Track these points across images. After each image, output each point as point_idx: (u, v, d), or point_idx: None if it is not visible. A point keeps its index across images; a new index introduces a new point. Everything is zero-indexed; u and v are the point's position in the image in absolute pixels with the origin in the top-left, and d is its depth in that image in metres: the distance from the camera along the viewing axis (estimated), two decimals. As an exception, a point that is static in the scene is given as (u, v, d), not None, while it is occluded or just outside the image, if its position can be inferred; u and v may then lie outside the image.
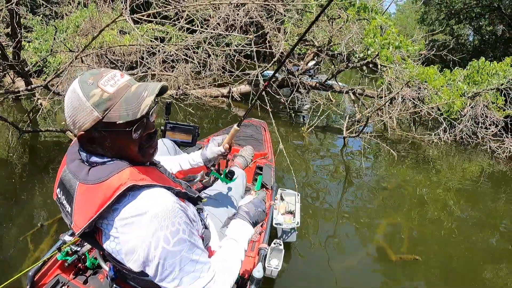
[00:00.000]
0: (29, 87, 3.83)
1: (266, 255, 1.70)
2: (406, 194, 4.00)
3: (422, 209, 3.67)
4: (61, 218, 2.58)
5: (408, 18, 15.57)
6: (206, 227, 1.20)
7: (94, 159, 0.90)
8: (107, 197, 0.82)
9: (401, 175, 4.52)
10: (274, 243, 1.91)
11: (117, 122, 0.84)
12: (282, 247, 1.90)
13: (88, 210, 0.84)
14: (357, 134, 5.09)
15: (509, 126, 5.43)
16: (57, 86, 4.43)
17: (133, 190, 0.86)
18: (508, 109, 5.43)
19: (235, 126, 1.43)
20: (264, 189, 2.43)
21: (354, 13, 5.39)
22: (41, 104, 4.66)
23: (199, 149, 2.53)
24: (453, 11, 11.17)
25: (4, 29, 5.03)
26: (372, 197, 3.82)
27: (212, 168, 1.54)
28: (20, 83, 4.80)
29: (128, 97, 0.84)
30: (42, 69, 5.22)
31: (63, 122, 4.65)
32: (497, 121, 5.39)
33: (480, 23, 11.71)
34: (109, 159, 0.90)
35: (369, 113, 4.96)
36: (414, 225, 3.33)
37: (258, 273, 1.64)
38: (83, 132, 0.86)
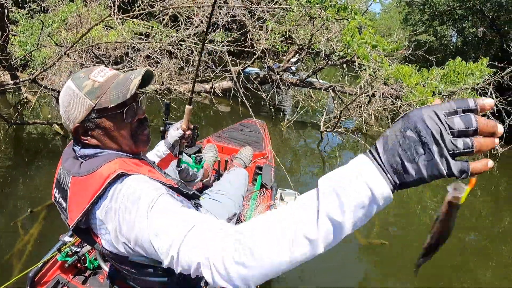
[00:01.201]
0: (16, 81, 3.94)
1: None
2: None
3: (397, 201, 3.83)
4: (50, 204, 2.75)
5: (392, 18, 15.84)
6: None
7: (86, 151, 0.94)
8: (98, 186, 0.84)
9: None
10: None
11: (109, 107, 0.88)
12: None
13: (82, 202, 0.86)
14: (332, 128, 5.32)
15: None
16: (43, 80, 4.56)
17: (116, 182, 0.85)
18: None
19: (187, 106, 1.45)
20: (264, 189, 2.44)
21: (333, 13, 5.59)
22: (26, 97, 4.80)
23: (199, 149, 2.69)
24: (436, 13, 11.42)
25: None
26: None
27: (179, 156, 1.53)
28: (5, 77, 4.90)
29: (117, 83, 0.90)
30: (27, 63, 5.30)
31: (49, 115, 4.79)
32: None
33: (464, 25, 11.96)
34: (101, 150, 0.94)
35: (342, 108, 5.18)
36: (388, 215, 3.50)
37: None
38: (78, 124, 0.91)
